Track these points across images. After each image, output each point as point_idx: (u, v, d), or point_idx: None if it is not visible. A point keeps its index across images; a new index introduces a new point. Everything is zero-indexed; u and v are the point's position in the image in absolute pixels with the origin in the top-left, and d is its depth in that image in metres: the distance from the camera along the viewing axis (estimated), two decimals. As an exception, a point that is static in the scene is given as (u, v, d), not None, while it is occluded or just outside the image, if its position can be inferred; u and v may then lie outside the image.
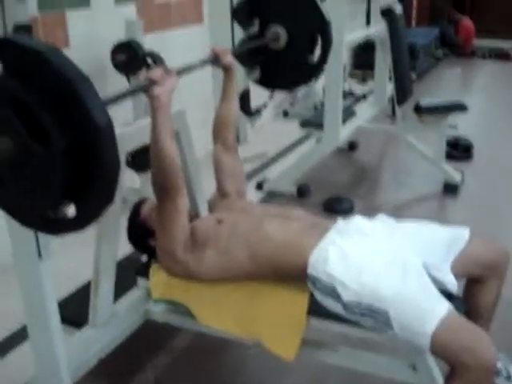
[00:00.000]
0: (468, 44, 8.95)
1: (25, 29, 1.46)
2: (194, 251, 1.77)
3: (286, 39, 2.41)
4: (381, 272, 1.60)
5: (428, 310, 1.51)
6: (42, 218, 1.33)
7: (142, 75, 1.66)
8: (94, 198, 1.27)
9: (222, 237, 1.78)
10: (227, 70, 2.06)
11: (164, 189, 1.71)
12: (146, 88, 1.61)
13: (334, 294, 1.63)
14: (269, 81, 2.59)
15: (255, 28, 2.40)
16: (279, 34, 2.41)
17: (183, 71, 1.82)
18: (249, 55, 2.41)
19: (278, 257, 1.72)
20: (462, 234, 1.81)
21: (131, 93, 1.64)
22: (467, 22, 9.01)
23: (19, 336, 2.24)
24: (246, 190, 2.13)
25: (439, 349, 1.51)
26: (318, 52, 2.43)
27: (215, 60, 2.01)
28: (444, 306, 1.53)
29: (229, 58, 2.04)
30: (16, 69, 1.19)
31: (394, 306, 1.53)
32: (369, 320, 1.59)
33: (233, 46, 2.47)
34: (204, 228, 1.81)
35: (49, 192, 1.26)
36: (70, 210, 1.31)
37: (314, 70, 2.49)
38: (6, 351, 2.26)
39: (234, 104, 2.11)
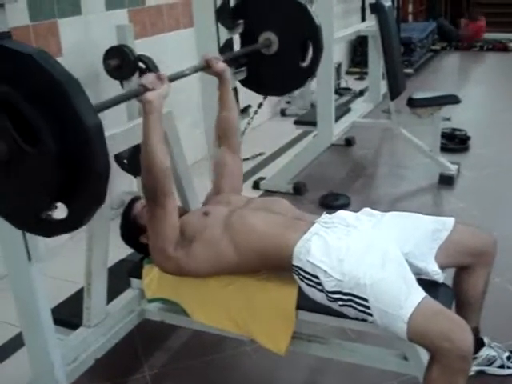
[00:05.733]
0: (473, 39, 8.95)
1: (5, 37, 1.45)
2: (184, 246, 1.78)
3: (278, 45, 2.44)
4: (361, 261, 1.61)
5: (404, 298, 1.52)
6: (35, 220, 1.34)
7: (135, 81, 1.66)
8: (85, 198, 1.28)
9: (208, 228, 1.78)
10: (220, 76, 2.07)
11: (153, 192, 1.70)
12: (139, 93, 1.62)
13: (317, 283, 1.64)
14: (261, 86, 2.63)
15: (239, 29, 2.42)
16: (271, 40, 2.44)
17: (175, 78, 1.84)
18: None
19: (263, 249, 1.73)
20: (447, 222, 1.81)
21: (124, 98, 1.66)
22: (483, 22, 9.12)
23: (17, 342, 2.24)
24: (241, 188, 2.14)
25: (416, 335, 1.52)
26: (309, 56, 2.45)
27: (207, 67, 2.04)
28: (420, 294, 1.54)
29: (221, 65, 2.06)
30: (5, 72, 1.20)
31: (372, 294, 1.55)
32: (350, 309, 1.60)
33: (218, 46, 2.49)
34: (191, 222, 1.82)
35: (41, 193, 1.28)
36: (62, 212, 1.33)
37: (306, 74, 2.52)
38: (4, 357, 2.29)
39: (233, 108, 2.12)
